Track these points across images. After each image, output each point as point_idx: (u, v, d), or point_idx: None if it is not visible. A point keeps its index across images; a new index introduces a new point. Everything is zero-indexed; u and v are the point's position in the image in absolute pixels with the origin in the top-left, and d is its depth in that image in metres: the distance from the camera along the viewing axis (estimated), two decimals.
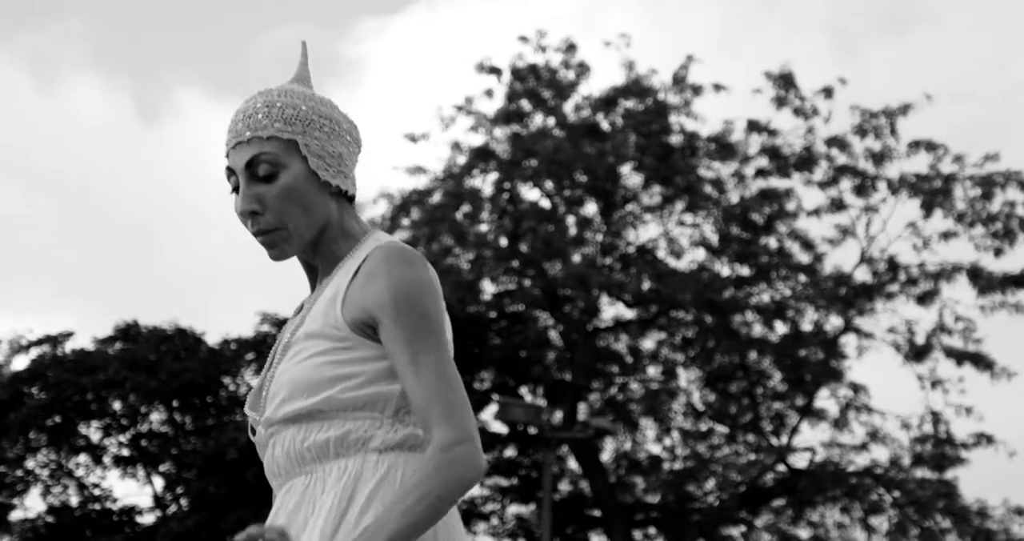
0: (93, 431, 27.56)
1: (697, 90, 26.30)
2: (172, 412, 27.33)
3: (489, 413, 27.77)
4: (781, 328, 26.58)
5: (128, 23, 49.56)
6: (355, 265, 2.44)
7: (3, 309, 45.53)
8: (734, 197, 26.39)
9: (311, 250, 2.54)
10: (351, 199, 2.56)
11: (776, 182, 26.22)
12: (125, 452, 27.69)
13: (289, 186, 2.45)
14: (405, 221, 26.56)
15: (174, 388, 26.45)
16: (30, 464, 27.67)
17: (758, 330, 26.67)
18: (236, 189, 2.50)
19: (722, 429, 27.52)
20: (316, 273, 2.61)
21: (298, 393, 2.40)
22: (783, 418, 26.99)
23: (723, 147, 26.25)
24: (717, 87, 26.16)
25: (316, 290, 2.55)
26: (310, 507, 2.38)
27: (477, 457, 2.32)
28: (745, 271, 26.54)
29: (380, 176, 52.60)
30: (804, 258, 26.37)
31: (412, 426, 2.42)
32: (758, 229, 26.25)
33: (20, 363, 27.83)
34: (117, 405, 27.09)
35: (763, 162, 26.28)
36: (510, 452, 28.72)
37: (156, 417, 27.49)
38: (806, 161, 25.95)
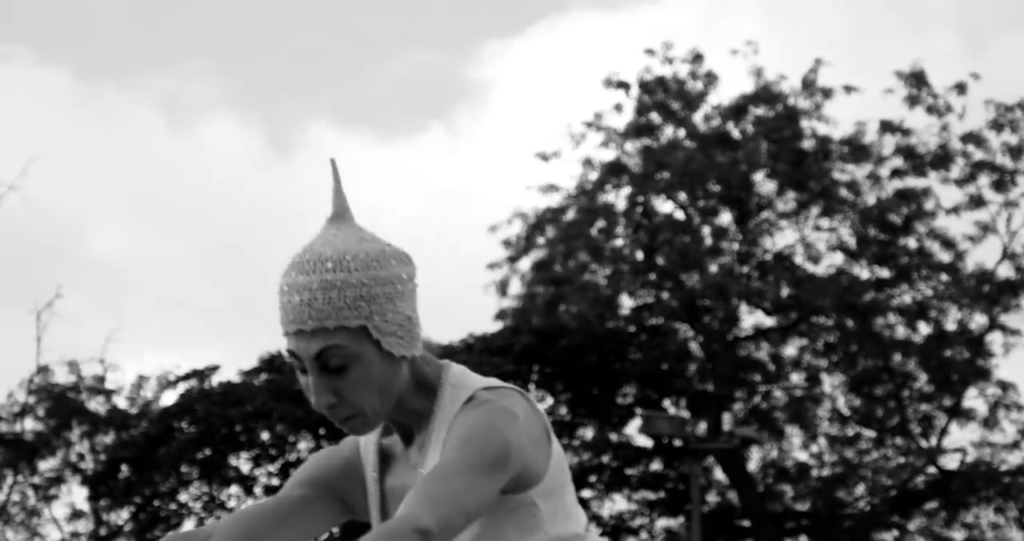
0: (243, 462, 27.84)
1: (827, 93, 26.16)
2: (319, 440, 27.57)
3: (633, 427, 27.79)
4: (925, 329, 26.39)
5: (255, 58, 50.23)
6: (450, 417, 2.30)
7: (150, 347, 46.36)
8: (870, 199, 26.21)
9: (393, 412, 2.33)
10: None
11: (912, 181, 26.04)
12: (275, 481, 27.92)
13: (364, 377, 2.27)
14: (540, 240, 26.64)
15: (320, 416, 26.54)
16: (183, 497, 28.02)
17: (901, 332, 26.48)
18: (302, 370, 2.29)
19: (869, 433, 27.31)
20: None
21: None
22: (931, 420, 26.73)
23: (857, 149, 26.09)
24: (847, 89, 26.02)
25: (406, 444, 2.39)
26: None
27: None
28: (885, 273, 26.34)
29: (513, 196, 52.81)
30: (945, 257, 26.14)
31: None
32: (896, 230, 26.05)
33: (169, 398, 28.23)
34: (265, 435, 27.38)
35: (898, 162, 26.09)
36: (656, 465, 28.64)
37: (304, 445, 27.73)
38: (942, 159, 25.72)
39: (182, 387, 28.10)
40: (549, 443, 2.33)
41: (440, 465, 2.18)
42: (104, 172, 45.92)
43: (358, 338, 2.25)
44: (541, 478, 2.31)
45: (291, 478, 2.44)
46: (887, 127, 25.91)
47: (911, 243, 26.21)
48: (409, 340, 2.29)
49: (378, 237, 2.35)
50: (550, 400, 27.62)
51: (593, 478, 28.10)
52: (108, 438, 27.90)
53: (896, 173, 26.10)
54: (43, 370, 27.71)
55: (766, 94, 26.29)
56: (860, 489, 27.44)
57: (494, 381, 2.34)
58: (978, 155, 25.73)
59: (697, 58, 26.52)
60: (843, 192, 26.13)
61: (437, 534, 2.10)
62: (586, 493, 28.19)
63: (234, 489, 28.10)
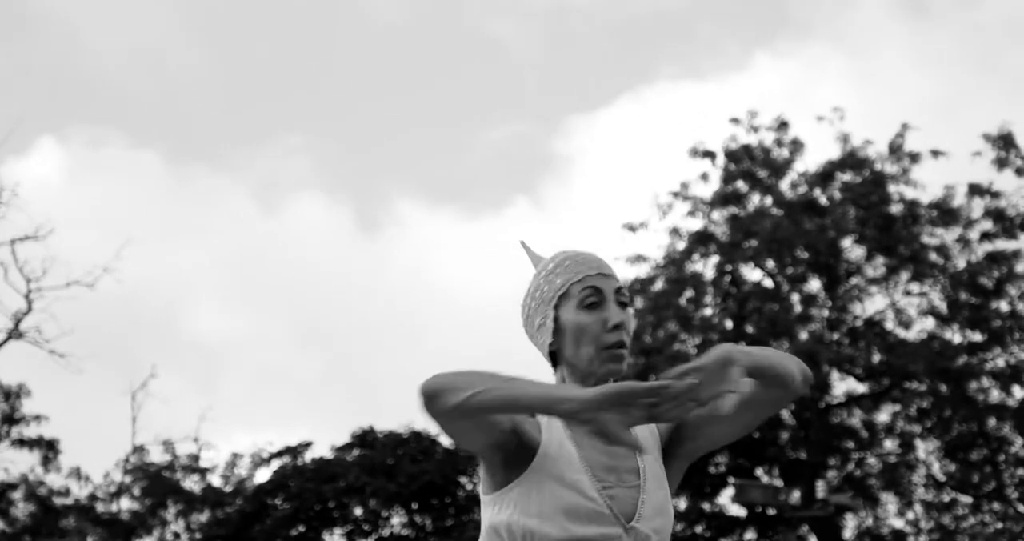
0: (337, 538, 27.88)
1: (915, 157, 26.15)
2: (412, 514, 27.60)
3: (726, 496, 27.64)
4: (1019, 392, 26.12)
5: (345, 138, 50.88)
6: None
7: (244, 425, 46.70)
8: (960, 263, 26.09)
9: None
10: None
11: (1003, 244, 25.89)
12: None
13: (631, 318, 3.02)
14: (629, 310, 26.63)
15: (413, 491, 26.74)
16: None
17: (995, 395, 26.22)
18: (591, 305, 2.99)
19: (966, 499, 27.03)
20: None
21: (669, 518, 2.91)
22: None
23: (945, 213, 26.01)
24: (935, 153, 26.00)
25: None
26: None
27: None
28: (977, 337, 26.15)
29: None
30: None
31: None
32: (988, 293, 25.88)
33: (263, 475, 28.38)
34: (358, 511, 27.44)
35: (988, 225, 25.97)
36: (750, 535, 28.46)
37: (397, 520, 27.76)
38: None
39: (275, 464, 28.28)
40: None
41: None
42: (197, 252, 46.55)
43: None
44: None
45: None
46: (976, 190, 25.85)
47: (1003, 306, 26.02)
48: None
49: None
50: None
51: None
52: (203, 516, 28.06)
53: (986, 236, 25.98)
54: (138, 450, 27.96)
55: (853, 160, 26.31)
56: None
57: None
58: None
59: (783, 125, 26.61)
60: (933, 256, 26.03)
61: None
62: None
63: None
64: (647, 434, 2.99)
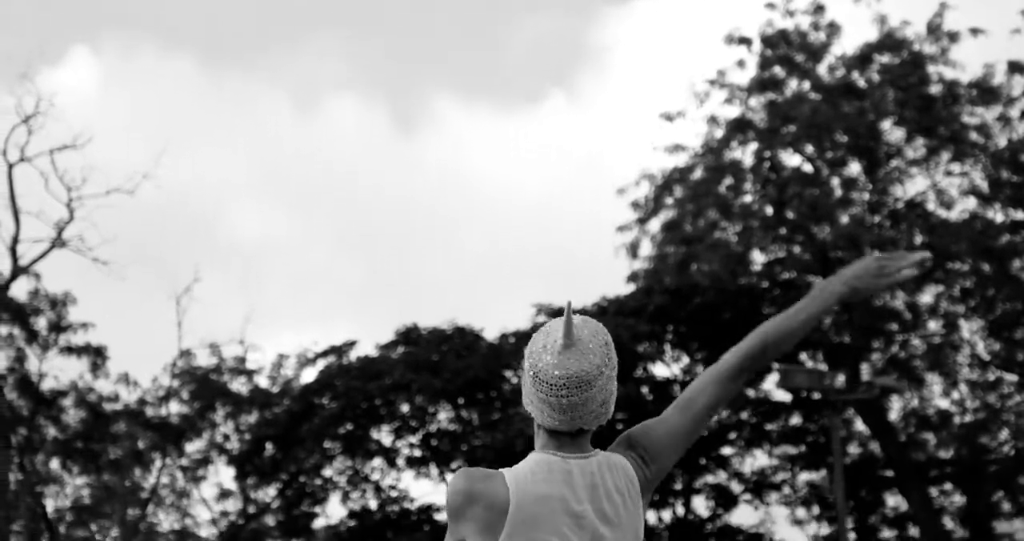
0: (384, 435, 28.12)
1: (953, 37, 25.85)
2: (458, 410, 27.75)
3: (771, 382, 27.70)
4: None
5: (380, 35, 50.56)
6: None
7: (289, 326, 46.98)
8: (1001, 141, 25.89)
9: None
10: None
11: None
12: (417, 453, 28.20)
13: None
14: (669, 200, 26.59)
15: (458, 386, 26.85)
16: (327, 472, 28.37)
17: None
18: None
19: (1011, 377, 27.05)
20: None
21: None
22: None
23: (985, 92, 25.76)
24: (974, 31, 25.69)
25: None
26: None
27: None
28: (1020, 215, 26.01)
29: (640, 157, 52.79)
30: None
31: None
32: None
33: (309, 376, 28.55)
34: (405, 408, 27.59)
35: None
36: (795, 420, 28.61)
37: (443, 416, 27.92)
38: None
39: (321, 364, 28.40)
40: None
41: None
42: (235, 156, 46.54)
43: None
44: None
45: None
46: (1016, 68, 25.57)
47: None
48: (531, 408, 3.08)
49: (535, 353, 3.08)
50: (686, 359, 27.63)
51: (733, 435, 28.12)
52: (251, 417, 28.30)
53: None
54: (185, 354, 28.14)
55: (891, 41, 26.02)
56: (1004, 434, 27.23)
57: None
58: None
59: (819, 9, 26.29)
60: (973, 136, 25.83)
61: None
62: (727, 450, 28.22)
63: (377, 462, 28.41)
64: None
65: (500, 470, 3.02)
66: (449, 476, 28.01)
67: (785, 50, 26.15)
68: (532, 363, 3.03)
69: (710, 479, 27.96)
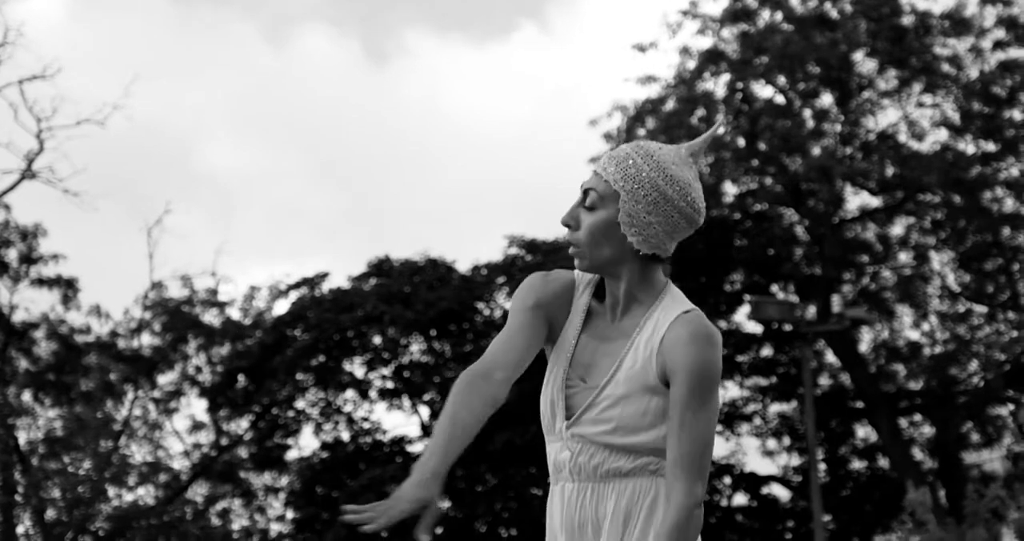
0: (357, 367, 28.17)
1: None
2: (431, 341, 27.81)
3: (742, 314, 27.85)
4: None
5: None
6: (663, 326, 2.98)
7: (260, 258, 46.89)
8: (973, 72, 25.87)
9: (612, 280, 3.06)
10: (656, 258, 3.03)
11: (1016, 52, 25.65)
12: (389, 385, 28.27)
13: (595, 222, 3.00)
14: (641, 131, 26.52)
15: (431, 318, 26.89)
16: (300, 404, 28.42)
17: (1010, 205, 26.21)
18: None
19: (980, 309, 27.20)
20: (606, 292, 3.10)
21: (622, 431, 2.99)
22: None
23: (957, 23, 25.70)
24: None
25: (614, 315, 3.07)
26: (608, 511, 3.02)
27: (701, 521, 2.94)
28: (991, 146, 26.04)
29: (612, 89, 52.55)
30: None
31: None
32: (1001, 103, 25.71)
33: (281, 307, 28.52)
34: (377, 339, 27.63)
35: (1000, 34, 25.70)
36: (767, 351, 28.76)
37: (416, 348, 27.98)
38: None
39: (293, 296, 28.37)
40: None
41: (675, 415, 2.95)
42: (207, 88, 46.25)
43: (612, 197, 2.98)
44: None
45: (517, 302, 3.08)
46: None
47: (1016, 115, 25.88)
48: (638, 234, 2.97)
49: (698, 189, 3.02)
50: None
51: None
52: (224, 349, 28.26)
53: (999, 45, 25.72)
54: (157, 286, 28.04)
55: None
56: (973, 365, 27.39)
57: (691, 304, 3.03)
58: None
59: None
60: (945, 67, 25.78)
61: (703, 493, 2.94)
62: None
63: (349, 394, 28.47)
64: (648, 355, 3.01)
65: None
66: (421, 408, 28.22)
67: None
68: (688, 193, 2.98)
69: None
